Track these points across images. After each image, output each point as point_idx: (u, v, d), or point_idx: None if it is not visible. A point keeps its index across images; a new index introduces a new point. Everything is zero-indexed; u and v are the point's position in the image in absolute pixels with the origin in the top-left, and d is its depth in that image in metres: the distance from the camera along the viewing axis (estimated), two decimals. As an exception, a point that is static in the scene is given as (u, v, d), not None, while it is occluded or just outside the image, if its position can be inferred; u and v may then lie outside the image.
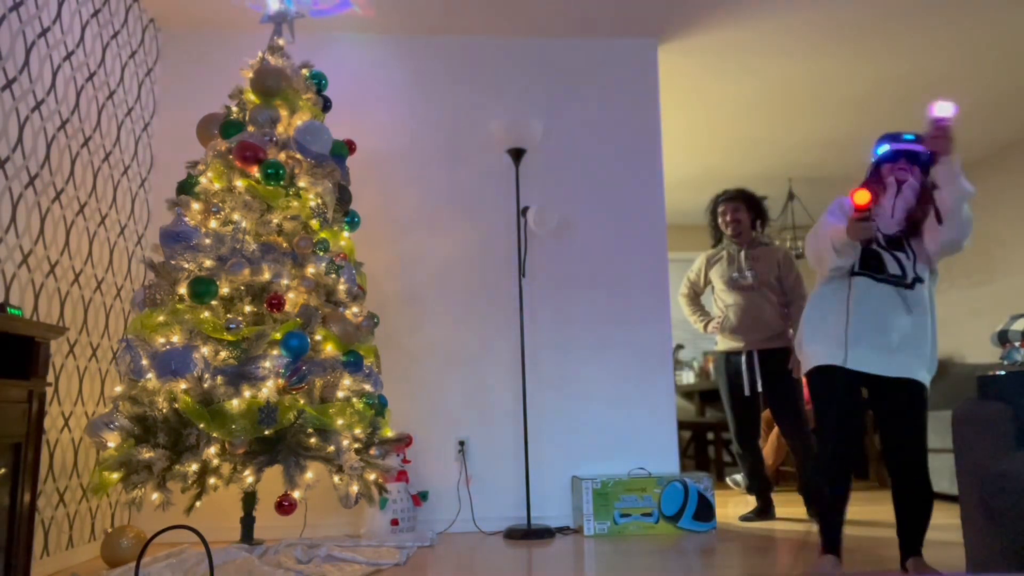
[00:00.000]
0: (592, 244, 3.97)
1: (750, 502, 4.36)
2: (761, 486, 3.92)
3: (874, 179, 2.54)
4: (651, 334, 3.91)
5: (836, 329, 2.46)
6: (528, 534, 3.44)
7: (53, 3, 2.90)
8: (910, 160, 2.46)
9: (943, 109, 2.33)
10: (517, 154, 3.75)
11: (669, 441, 3.85)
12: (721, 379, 4.00)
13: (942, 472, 4.28)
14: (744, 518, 3.87)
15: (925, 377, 2.46)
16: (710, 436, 6.41)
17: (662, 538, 3.36)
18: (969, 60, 4.41)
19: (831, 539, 2.42)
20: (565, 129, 4.06)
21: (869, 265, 2.47)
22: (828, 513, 2.44)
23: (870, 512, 4.05)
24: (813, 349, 2.51)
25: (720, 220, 4.07)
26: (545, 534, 3.46)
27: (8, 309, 2.08)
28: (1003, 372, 2.25)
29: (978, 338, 5.97)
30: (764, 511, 3.88)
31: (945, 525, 3.57)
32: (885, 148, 2.51)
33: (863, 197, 2.32)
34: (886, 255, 2.47)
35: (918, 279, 2.46)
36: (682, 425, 6.01)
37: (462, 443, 3.75)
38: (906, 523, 2.46)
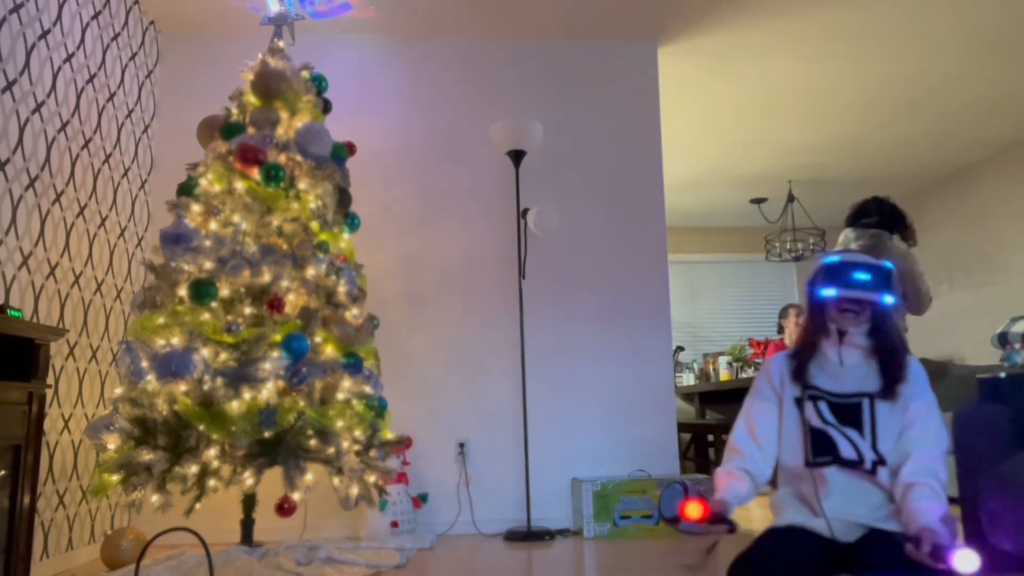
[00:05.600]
0: (592, 245, 3.97)
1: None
2: None
3: (817, 321, 1.81)
4: (651, 335, 3.91)
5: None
6: (528, 536, 3.43)
7: (54, 5, 2.90)
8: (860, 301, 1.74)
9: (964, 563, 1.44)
10: (517, 156, 3.75)
11: (669, 443, 3.85)
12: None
13: (942, 474, 4.28)
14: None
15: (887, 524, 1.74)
16: (710, 438, 6.39)
17: (662, 540, 3.36)
18: (969, 61, 4.41)
19: None
20: (565, 131, 4.06)
21: (818, 448, 1.75)
22: None
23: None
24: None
25: None
26: (545, 536, 3.46)
27: (8, 311, 2.08)
28: (1003, 374, 2.25)
29: (978, 340, 5.97)
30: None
31: (945, 527, 3.56)
32: (830, 292, 1.76)
33: (695, 511, 1.68)
34: (834, 433, 1.75)
35: (880, 461, 1.73)
36: (682, 427, 6.00)
37: (462, 445, 3.75)
38: None
